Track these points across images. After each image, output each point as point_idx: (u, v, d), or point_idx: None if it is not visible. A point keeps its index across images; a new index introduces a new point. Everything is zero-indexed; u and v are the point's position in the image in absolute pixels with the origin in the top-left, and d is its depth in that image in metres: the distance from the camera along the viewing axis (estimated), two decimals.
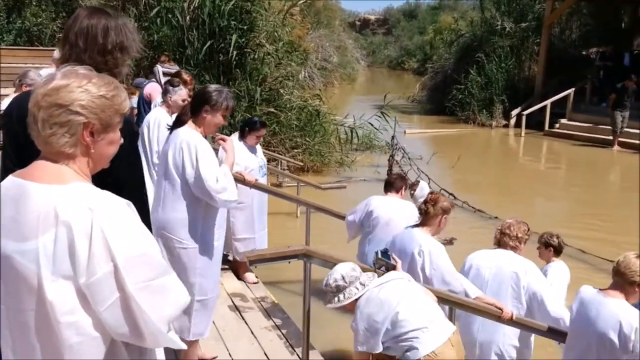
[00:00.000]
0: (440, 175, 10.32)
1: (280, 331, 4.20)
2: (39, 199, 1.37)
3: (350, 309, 2.95)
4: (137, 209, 1.48)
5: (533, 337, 3.68)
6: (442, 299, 3.28)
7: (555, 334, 3.49)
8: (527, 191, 10.93)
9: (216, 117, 3.20)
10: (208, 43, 10.02)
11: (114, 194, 1.44)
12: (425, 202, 3.71)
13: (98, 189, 1.44)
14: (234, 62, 10.23)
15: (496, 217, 8.16)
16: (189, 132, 3.17)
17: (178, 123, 3.26)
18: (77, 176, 1.44)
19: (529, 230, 3.90)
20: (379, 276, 3.03)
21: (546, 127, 16.16)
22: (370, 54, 47.75)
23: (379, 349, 2.81)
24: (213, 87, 3.30)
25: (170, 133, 3.28)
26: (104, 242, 1.35)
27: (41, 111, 1.38)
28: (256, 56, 10.63)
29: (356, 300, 2.91)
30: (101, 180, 1.52)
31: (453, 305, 3.38)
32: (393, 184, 4.91)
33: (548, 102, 16.17)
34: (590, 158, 13.67)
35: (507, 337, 3.68)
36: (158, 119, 4.70)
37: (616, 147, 14.07)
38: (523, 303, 3.65)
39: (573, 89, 16.17)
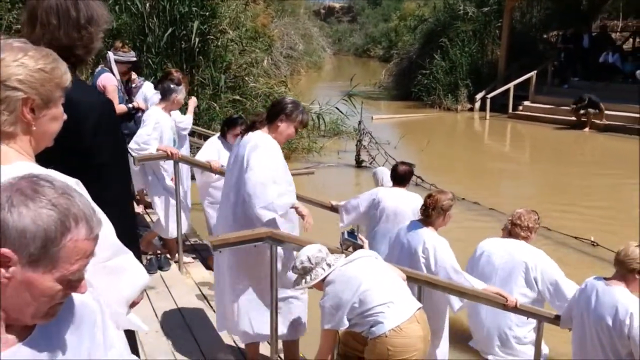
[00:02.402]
0: (407, 159, 10.32)
1: None
2: None
3: (319, 289, 2.94)
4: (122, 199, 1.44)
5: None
6: (416, 279, 3.31)
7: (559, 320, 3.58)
8: (494, 172, 11.09)
9: (289, 128, 3.30)
10: (169, 30, 9.79)
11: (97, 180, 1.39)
12: (425, 206, 3.76)
13: (43, 169, 1.37)
14: (197, 50, 10.04)
15: (463, 199, 8.26)
16: (264, 136, 3.24)
17: (251, 128, 3.30)
18: (19, 156, 1.36)
19: (539, 218, 4.03)
20: (346, 257, 3.01)
21: (510, 110, 16.39)
22: (336, 42, 47.62)
23: (345, 325, 2.81)
24: (289, 99, 3.41)
25: (241, 137, 3.33)
26: None
27: None
28: (219, 43, 10.46)
29: (323, 280, 2.90)
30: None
31: (423, 284, 3.39)
32: (403, 177, 4.62)
33: (511, 85, 16.40)
34: (554, 138, 13.93)
35: (514, 324, 3.90)
36: (159, 119, 4.73)
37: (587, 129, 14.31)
38: (533, 292, 3.83)
39: (535, 71, 16.44)
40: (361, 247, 3.14)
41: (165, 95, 4.86)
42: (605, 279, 3.28)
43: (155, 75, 9.35)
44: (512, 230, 4.00)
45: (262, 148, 3.17)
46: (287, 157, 10.47)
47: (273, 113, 3.29)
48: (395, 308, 2.75)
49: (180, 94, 4.85)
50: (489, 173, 10.99)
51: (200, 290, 4.64)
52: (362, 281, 2.80)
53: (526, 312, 3.62)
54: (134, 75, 5.86)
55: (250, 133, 3.29)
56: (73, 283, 1.07)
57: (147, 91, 5.70)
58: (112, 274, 1.37)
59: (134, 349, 1.74)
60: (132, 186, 4.91)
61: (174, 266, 4.98)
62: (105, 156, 1.74)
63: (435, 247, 3.62)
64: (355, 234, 3.23)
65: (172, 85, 4.83)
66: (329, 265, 2.90)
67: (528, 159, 12.72)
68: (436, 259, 3.60)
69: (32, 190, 1.02)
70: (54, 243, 1.01)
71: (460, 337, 4.42)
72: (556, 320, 3.58)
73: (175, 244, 5.05)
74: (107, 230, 1.37)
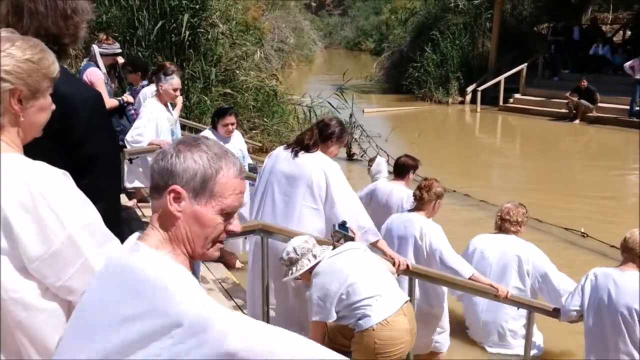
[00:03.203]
0: (398, 152, 10.31)
1: (242, 312, 4.15)
2: None
3: (307, 280, 2.94)
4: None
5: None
6: (410, 272, 3.33)
7: (555, 312, 3.61)
8: (485, 164, 11.14)
9: (337, 149, 3.59)
10: (159, 23, 9.72)
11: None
12: (419, 188, 3.83)
13: (31, 160, 1.37)
14: (187, 43, 9.98)
15: (454, 191, 8.29)
16: (327, 159, 3.44)
17: (306, 149, 3.40)
18: (7, 147, 1.36)
19: (526, 212, 4.13)
20: (334, 248, 3.02)
21: (501, 103, 16.44)
22: (327, 36, 47.50)
23: (333, 317, 2.82)
24: (334, 121, 3.60)
25: (295, 155, 3.40)
26: (52, 213, 1.30)
27: None
28: (210, 36, 10.39)
29: (311, 271, 2.91)
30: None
31: (416, 276, 3.42)
32: (400, 168, 4.71)
33: (501, 77, 16.45)
34: (544, 131, 14.00)
35: (510, 317, 3.98)
36: (154, 110, 4.74)
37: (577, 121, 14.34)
38: (527, 285, 3.91)
39: (525, 64, 16.48)
40: (352, 239, 3.14)
41: (157, 86, 4.92)
42: (615, 267, 3.35)
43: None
44: (502, 225, 4.09)
45: (338, 176, 3.37)
46: None
47: (325, 136, 3.49)
48: (382, 301, 2.76)
49: (166, 83, 4.81)
50: (480, 165, 11.04)
51: None
52: (349, 273, 2.81)
53: (517, 302, 3.65)
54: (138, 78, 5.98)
55: (308, 154, 3.39)
56: (229, 216, 1.27)
57: (142, 97, 5.71)
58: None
59: None
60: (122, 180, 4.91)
61: None
62: (95, 149, 1.76)
63: (431, 231, 3.70)
64: (346, 226, 3.23)
65: (161, 75, 4.84)
66: (314, 256, 2.91)
67: (519, 151, 12.79)
68: (432, 242, 3.67)
69: (193, 142, 1.27)
70: (210, 178, 1.23)
71: (459, 327, 4.45)
72: (554, 312, 3.59)
73: None
74: (98, 219, 1.40)
